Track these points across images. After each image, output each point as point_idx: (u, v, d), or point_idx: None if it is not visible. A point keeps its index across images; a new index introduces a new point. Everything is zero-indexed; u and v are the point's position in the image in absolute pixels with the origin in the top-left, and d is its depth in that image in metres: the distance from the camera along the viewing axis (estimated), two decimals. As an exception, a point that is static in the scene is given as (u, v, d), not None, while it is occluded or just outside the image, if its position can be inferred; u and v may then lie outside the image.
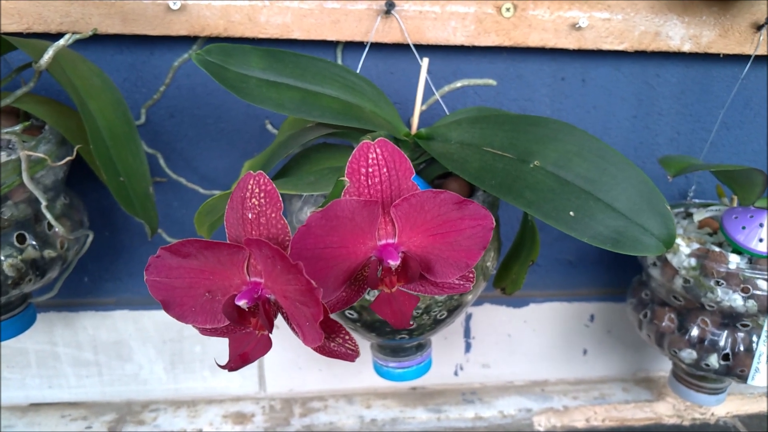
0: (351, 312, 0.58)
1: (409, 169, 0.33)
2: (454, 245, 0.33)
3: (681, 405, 0.91)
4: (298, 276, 0.28)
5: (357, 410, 0.88)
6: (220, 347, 0.86)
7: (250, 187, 0.31)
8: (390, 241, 0.33)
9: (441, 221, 0.33)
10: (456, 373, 0.93)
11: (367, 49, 0.68)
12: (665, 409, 0.91)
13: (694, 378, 0.73)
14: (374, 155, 0.33)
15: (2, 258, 0.57)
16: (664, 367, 0.97)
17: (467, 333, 0.90)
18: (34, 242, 0.60)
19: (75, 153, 0.57)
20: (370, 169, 0.33)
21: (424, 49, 0.70)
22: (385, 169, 0.33)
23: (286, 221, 0.31)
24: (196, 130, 0.74)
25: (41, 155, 0.55)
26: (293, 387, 0.91)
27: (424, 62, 0.60)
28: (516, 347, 0.92)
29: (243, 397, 0.90)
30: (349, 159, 0.33)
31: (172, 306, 0.32)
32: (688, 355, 0.68)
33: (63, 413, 0.86)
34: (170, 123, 0.73)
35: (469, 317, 0.89)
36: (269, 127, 0.74)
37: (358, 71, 0.60)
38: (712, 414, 0.91)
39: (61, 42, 0.52)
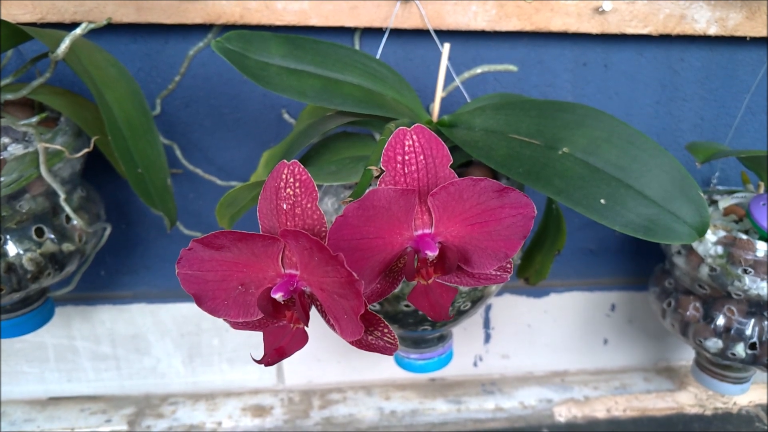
0: (375, 302, 0.57)
1: (447, 156, 0.32)
2: (493, 235, 0.32)
3: (703, 394, 0.90)
4: (338, 268, 0.27)
5: (376, 402, 0.88)
6: (238, 340, 0.86)
7: (284, 176, 0.30)
8: (427, 231, 0.32)
9: (480, 210, 0.32)
10: (475, 364, 0.92)
11: (386, 35, 0.66)
12: (687, 399, 0.90)
13: (718, 367, 0.71)
14: (410, 142, 0.32)
15: (21, 252, 0.57)
16: (685, 357, 0.96)
17: (487, 324, 0.89)
18: (52, 236, 0.59)
19: (92, 144, 0.56)
20: (407, 157, 0.32)
21: (444, 34, 0.68)
22: (421, 157, 0.32)
23: (322, 211, 0.30)
24: (212, 120, 0.73)
25: (58, 147, 0.55)
26: (312, 379, 0.90)
27: (446, 48, 0.59)
28: (536, 337, 0.91)
29: (262, 390, 0.90)
30: (385, 146, 0.32)
31: (204, 300, 0.31)
32: (714, 344, 0.67)
33: (82, 407, 0.86)
34: (186, 113, 0.72)
35: (488, 308, 0.88)
36: (286, 116, 0.73)
37: (377, 58, 0.59)
38: (735, 403, 0.90)
39: (78, 31, 0.51)
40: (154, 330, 0.84)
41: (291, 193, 0.30)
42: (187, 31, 0.67)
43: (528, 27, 0.67)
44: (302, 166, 0.30)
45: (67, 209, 0.57)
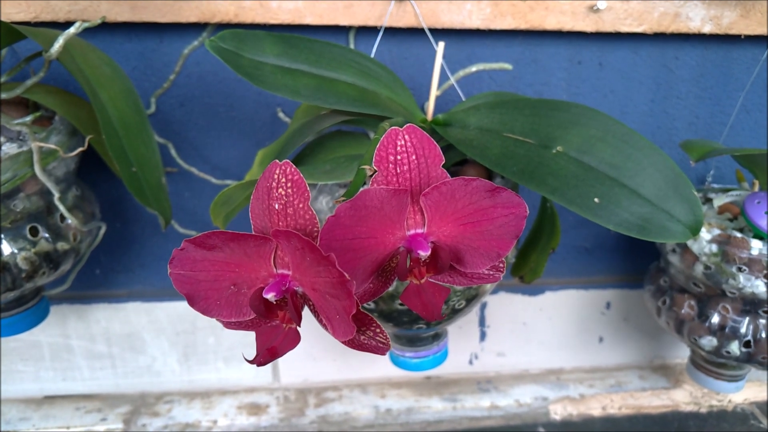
0: (368, 302, 0.57)
1: (439, 156, 0.32)
2: (486, 234, 0.32)
3: (698, 392, 0.91)
4: (329, 268, 0.27)
5: (372, 400, 0.88)
6: (234, 339, 0.86)
7: (276, 176, 0.30)
8: (419, 231, 0.32)
9: (472, 210, 0.32)
10: (471, 362, 0.93)
11: (381, 34, 0.66)
12: (682, 397, 0.90)
13: (713, 365, 0.72)
14: (403, 142, 0.32)
15: (16, 251, 0.57)
16: (680, 355, 0.96)
17: (482, 322, 0.89)
18: (46, 235, 0.59)
19: (87, 143, 0.56)
20: (399, 157, 0.32)
21: (439, 33, 0.68)
22: (414, 157, 0.32)
23: (314, 211, 0.30)
24: (207, 118, 0.73)
25: (53, 146, 0.55)
26: (307, 377, 0.90)
27: (440, 46, 0.59)
28: (531, 335, 0.92)
29: (257, 388, 0.90)
30: (377, 146, 0.32)
31: (196, 300, 0.31)
32: (709, 342, 0.67)
33: (77, 405, 0.85)
34: (181, 112, 0.72)
35: (484, 306, 0.88)
36: (281, 115, 0.72)
37: (371, 56, 0.59)
38: (730, 401, 0.90)
39: (72, 30, 0.51)
40: (150, 328, 0.84)
41: (283, 193, 0.30)
42: (181, 29, 0.67)
43: (523, 25, 0.67)
44: (294, 166, 0.30)
45: (62, 208, 0.57)
